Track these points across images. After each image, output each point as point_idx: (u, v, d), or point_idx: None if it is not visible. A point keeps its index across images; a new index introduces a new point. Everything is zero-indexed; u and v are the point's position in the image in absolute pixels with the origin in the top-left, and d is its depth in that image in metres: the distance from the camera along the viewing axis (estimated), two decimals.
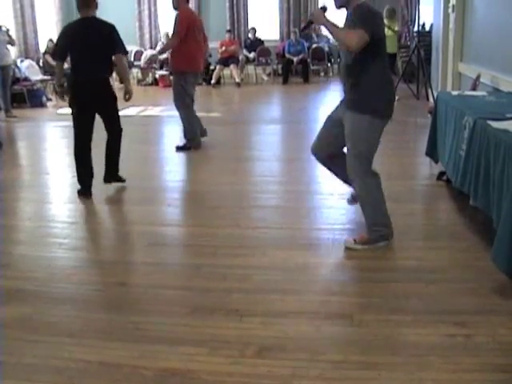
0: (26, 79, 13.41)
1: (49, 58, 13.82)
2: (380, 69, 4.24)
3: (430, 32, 12.24)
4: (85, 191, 6.00)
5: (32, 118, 11.51)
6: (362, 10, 4.13)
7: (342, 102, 4.55)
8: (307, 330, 3.36)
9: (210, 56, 15.48)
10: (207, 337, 3.32)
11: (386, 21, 11.86)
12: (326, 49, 15.62)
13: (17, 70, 13.17)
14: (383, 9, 11.61)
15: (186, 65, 7.79)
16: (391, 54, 11.65)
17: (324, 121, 4.77)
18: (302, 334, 3.32)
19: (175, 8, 7.82)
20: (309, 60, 15.36)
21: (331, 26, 4.05)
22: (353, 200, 5.01)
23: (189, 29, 7.68)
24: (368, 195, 4.40)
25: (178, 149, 8.07)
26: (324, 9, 4.19)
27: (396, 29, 12.42)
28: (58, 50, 6.16)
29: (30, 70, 13.78)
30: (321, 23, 4.16)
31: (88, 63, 5.81)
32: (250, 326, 3.42)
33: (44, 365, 3.16)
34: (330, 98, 13.07)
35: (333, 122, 4.62)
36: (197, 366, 3.07)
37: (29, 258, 4.75)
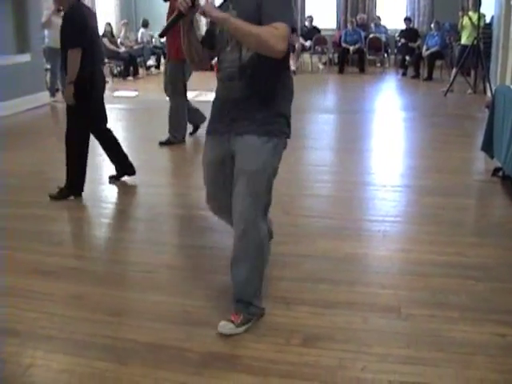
0: None
1: (107, 42, 13.99)
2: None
3: (490, 24, 11.98)
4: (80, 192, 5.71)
5: None
6: None
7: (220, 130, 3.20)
8: (354, 321, 3.35)
9: None
10: (254, 323, 3.34)
11: (470, 12, 11.61)
12: (383, 39, 15.43)
13: None
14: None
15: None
16: (465, 45, 11.43)
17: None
18: (349, 325, 3.31)
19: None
20: (365, 50, 15.22)
21: (233, 22, 2.85)
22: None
23: None
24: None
25: (162, 144, 7.74)
26: None
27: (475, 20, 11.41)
28: (83, 37, 5.28)
29: None
30: (213, 17, 2.90)
31: (101, 52, 5.71)
32: (298, 315, 3.42)
33: (92, 342, 3.23)
34: (385, 89, 12.96)
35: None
36: (242, 352, 3.09)
37: (81, 237, 4.84)
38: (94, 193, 5.93)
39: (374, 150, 7.55)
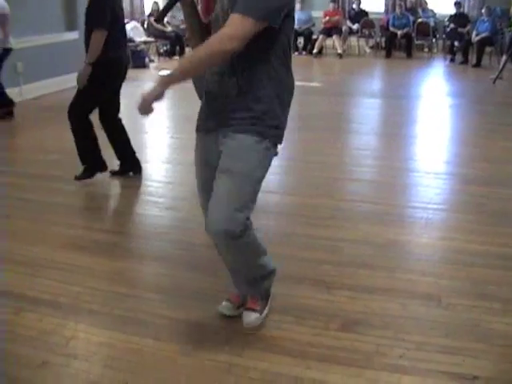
0: (131, 40, 13.65)
1: (153, 21, 14.04)
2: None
3: None
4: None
5: (134, 77, 11.68)
6: None
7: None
8: (394, 307, 3.33)
9: (314, 25, 15.35)
10: (293, 305, 3.35)
11: None
12: (432, 24, 15.16)
13: None
14: None
15: None
16: None
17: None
18: (388, 312, 3.29)
19: None
20: (413, 34, 14.98)
21: (178, 71, 2.65)
22: None
23: None
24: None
25: None
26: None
27: None
28: (109, 20, 5.01)
29: (135, 32, 14.03)
30: (158, 93, 2.69)
31: (125, 38, 5.42)
32: (337, 299, 3.42)
33: (132, 317, 3.28)
34: (432, 75, 12.78)
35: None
36: (280, 334, 3.11)
37: (124, 214, 4.89)
38: None
39: (419, 136, 7.47)
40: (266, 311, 3.20)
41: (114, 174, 5.61)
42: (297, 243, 4.17)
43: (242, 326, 3.14)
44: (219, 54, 2.54)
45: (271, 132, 2.81)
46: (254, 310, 3.15)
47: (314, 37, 15.37)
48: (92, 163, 5.42)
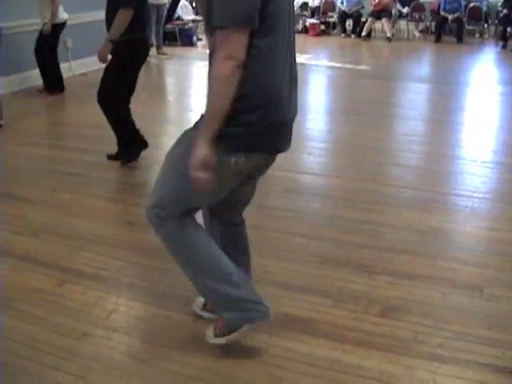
0: (179, 18, 13.72)
1: None
2: None
3: None
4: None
5: (181, 56, 11.79)
6: None
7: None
8: (434, 296, 3.31)
9: (363, 8, 15.18)
10: (333, 289, 3.35)
11: None
12: (485, 8, 14.85)
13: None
14: None
15: None
16: None
17: None
18: (428, 300, 3.27)
19: None
20: (464, 19, 14.67)
21: (208, 127, 2.36)
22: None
23: None
24: None
25: None
26: None
27: None
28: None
29: (183, 10, 14.08)
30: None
31: (149, 19, 5.25)
32: (378, 284, 3.41)
33: (173, 294, 3.31)
34: (483, 61, 12.56)
35: None
36: (319, 316, 3.11)
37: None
38: None
39: (467, 123, 7.36)
40: (222, 341, 2.78)
41: (109, 157, 5.54)
42: (340, 226, 4.17)
43: (280, 307, 3.14)
44: (228, 79, 2.22)
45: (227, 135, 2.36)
46: (214, 328, 2.83)
47: (363, 19, 15.18)
48: (132, 147, 5.42)
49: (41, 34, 7.90)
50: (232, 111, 2.30)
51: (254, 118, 2.36)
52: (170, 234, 2.67)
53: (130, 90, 5.30)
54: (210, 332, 2.84)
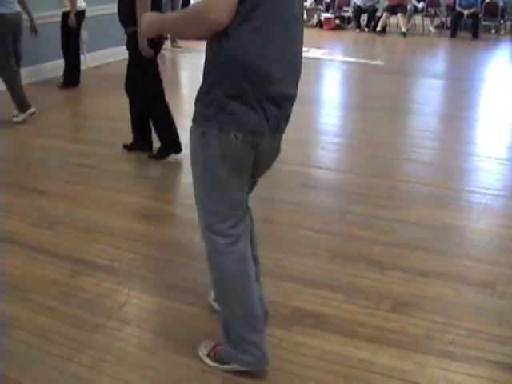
0: None
1: None
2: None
3: None
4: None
5: (196, 49, 11.75)
6: None
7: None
8: (447, 292, 3.30)
9: (378, 2, 15.12)
10: (345, 284, 3.35)
11: None
12: (501, 4, 14.74)
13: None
14: None
15: None
16: None
17: None
18: (440, 296, 3.26)
19: None
20: (480, 15, 14.59)
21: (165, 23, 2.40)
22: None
23: None
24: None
25: None
26: None
27: None
28: None
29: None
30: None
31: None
32: (390, 280, 3.41)
33: (186, 287, 3.33)
34: (499, 58, 12.48)
35: None
36: (330, 311, 3.11)
37: (182, 185, 4.95)
38: None
39: (482, 119, 7.31)
40: (210, 364, 2.71)
41: (125, 147, 5.61)
42: (352, 221, 4.17)
43: (291, 301, 3.16)
44: (200, 25, 2.16)
45: (204, 116, 2.34)
46: (210, 349, 2.77)
47: (378, 14, 15.13)
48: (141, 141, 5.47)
49: (63, 27, 7.92)
50: (220, 79, 2.25)
51: (242, 90, 2.24)
52: (214, 253, 2.57)
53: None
54: (204, 348, 2.78)
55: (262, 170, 2.67)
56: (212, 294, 3.09)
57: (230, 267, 2.54)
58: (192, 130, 2.42)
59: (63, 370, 2.66)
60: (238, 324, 2.59)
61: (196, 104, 2.38)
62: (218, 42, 2.21)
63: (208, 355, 2.74)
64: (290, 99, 2.47)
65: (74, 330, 2.94)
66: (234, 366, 2.66)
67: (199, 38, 2.31)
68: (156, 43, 4.95)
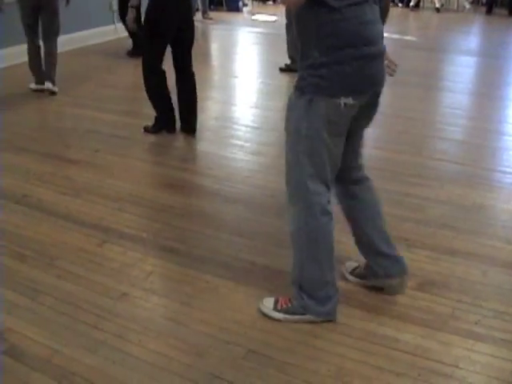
0: None
1: None
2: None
3: None
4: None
5: (227, 21, 11.73)
6: None
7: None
8: (474, 272, 3.27)
9: None
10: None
11: None
12: None
13: None
14: None
15: None
16: None
17: None
18: (467, 276, 3.24)
19: None
20: None
21: None
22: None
23: None
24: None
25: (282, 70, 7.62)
26: None
27: None
28: None
29: None
30: None
31: None
32: (417, 258, 3.38)
33: (212, 258, 3.34)
34: None
35: None
36: (356, 288, 3.11)
37: (210, 156, 4.94)
38: (225, 113, 6.02)
39: None
40: (279, 316, 2.84)
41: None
42: (381, 198, 4.12)
43: None
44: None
45: (309, 85, 2.53)
46: (275, 301, 2.89)
47: None
48: (161, 119, 5.40)
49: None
50: (325, 49, 2.45)
51: (345, 55, 2.47)
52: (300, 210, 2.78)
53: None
54: (268, 303, 2.89)
55: (366, 122, 3.06)
56: (348, 265, 3.19)
57: (316, 222, 2.79)
58: (296, 98, 2.57)
59: (90, 336, 2.69)
60: (314, 267, 2.76)
61: (301, 74, 2.54)
62: (323, 14, 2.40)
63: (275, 309, 2.85)
64: (382, 55, 2.82)
65: (100, 297, 2.97)
66: (306, 317, 2.80)
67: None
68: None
